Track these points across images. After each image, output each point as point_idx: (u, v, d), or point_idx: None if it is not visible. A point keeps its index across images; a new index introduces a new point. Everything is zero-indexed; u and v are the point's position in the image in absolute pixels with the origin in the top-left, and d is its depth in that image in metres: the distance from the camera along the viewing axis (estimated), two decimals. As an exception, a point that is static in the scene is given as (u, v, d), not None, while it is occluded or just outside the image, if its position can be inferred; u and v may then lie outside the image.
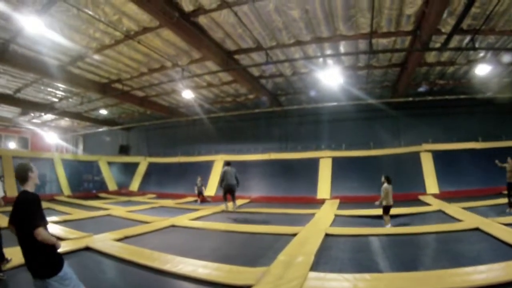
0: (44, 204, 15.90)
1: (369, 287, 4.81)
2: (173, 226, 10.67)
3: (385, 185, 10.26)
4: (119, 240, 8.40)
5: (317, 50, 12.59)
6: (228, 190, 12.93)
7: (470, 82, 16.30)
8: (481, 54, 13.21)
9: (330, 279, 5.12)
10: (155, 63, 14.14)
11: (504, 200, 11.68)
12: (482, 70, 13.27)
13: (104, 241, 7.98)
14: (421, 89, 17.25)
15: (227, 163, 13.40)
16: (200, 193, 18.60)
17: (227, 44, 12.26)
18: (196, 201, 18.57)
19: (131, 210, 14.36)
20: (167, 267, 5.95)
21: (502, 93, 16.41)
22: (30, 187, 3.65)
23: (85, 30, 11.00)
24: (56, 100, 19.81)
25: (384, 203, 10.02)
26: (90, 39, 11.76)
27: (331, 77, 13.61)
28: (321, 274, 5.33)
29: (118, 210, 14.26)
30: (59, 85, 16.96)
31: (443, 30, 10.49)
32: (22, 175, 3.67)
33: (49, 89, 17.90)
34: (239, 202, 16.27)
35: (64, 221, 11.43)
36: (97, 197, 21.51)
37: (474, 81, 16.14)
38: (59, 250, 3.54)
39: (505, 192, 11.38)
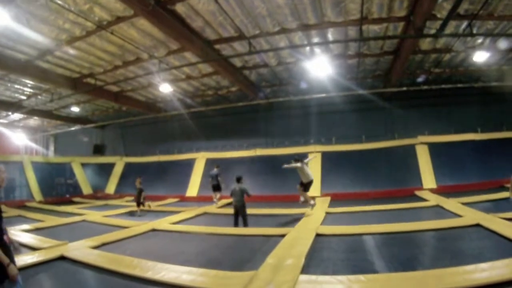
0: (14, 211, 15.83)
1: (364, 289, 4.85)
2: (153, 230, 10.64)
3: (296, 164, 12.20)
4: (96, 247, 8.33)
5: (304, 38, 12.64)
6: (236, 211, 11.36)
7: (468, 70, 16.50)
8: (479, 41, 13.31)
9: (322, 281, 5.14)
10: (130, 55, 14.04)
11: (506, 194, 11.83)
12: (480, 57, 13.42)
13: (80, 249, 7.90)
14: (419, 80, 17.31)
15: (237, 179, 11.56)
16: (140, 201, 15.34)
17: (207, 33, 12.23)
18: (137, 211, 15.17)
19: (108, 215, 14.30)
20: (149, 274, 5.92)
21: (502, 81, 16.59)
22: None
23: (54, 21, 10.87)
24: (24, 97, 19.59)
25: (304, 180, 12.17)
26: (60, 31, 11.62)
27: (319, 67, 13.64)
28: (313, 277, 5.34)
29: (94, 215, 14.13)
30: (27, 81, 16.80)
31: (438, 15, 10.60)
32: None
33: (16, 86, 17.67)
34: (223, 201, 16.49)
35: (36, 229, 11.30)
36: (71, 202, 21.27)
37: (472, 69, 16.38)
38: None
39: (508, 185, 11.41)
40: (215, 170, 16.93)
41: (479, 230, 7.88)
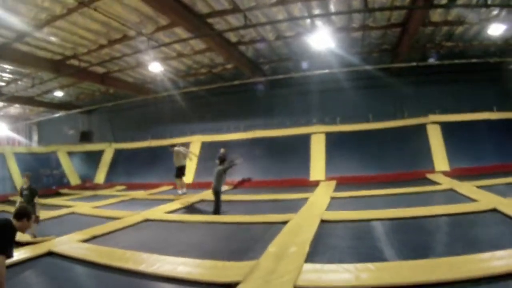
0: (-3, 207, 15.54)
1: (373, 278, 4.82)
2: (147, 220, 10.68)
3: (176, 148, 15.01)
4: (87, 240, 8.35)
5: (304, 10, 12.46)
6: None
7: (483, 44, 16.30)
8: (495, 12, 13.01)
9: (328, 270, 5.16)
10: (115, 33, 13.87)
11: None
12: (496, 30, 13.23)
13: (69, 244, 7.92)
14: (431, 57, 17.10)
15: (221, 159, 12.44)
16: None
17: (198, 6, 12.05)
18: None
19: (98, 206, 14.28)
20: (142, 267, 5.95)
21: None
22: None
23: (32, -1, 10.74)
24: (3, 84, 19.48)
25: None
26: (38, 10, 11.45)
27: (321, 41, 13.54)
28: (318, 266, 5.36)
29: (83, 207, 14.15)
30: (6, 66, 16.67)
31: (450, -16, 10.44)
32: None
33: (-6, 72, 17.54)
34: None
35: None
36: (58, 194, 21.29)
37: (487, 43, 16.18)
38: None
39: None
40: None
41: (495, 216, 7.87)
